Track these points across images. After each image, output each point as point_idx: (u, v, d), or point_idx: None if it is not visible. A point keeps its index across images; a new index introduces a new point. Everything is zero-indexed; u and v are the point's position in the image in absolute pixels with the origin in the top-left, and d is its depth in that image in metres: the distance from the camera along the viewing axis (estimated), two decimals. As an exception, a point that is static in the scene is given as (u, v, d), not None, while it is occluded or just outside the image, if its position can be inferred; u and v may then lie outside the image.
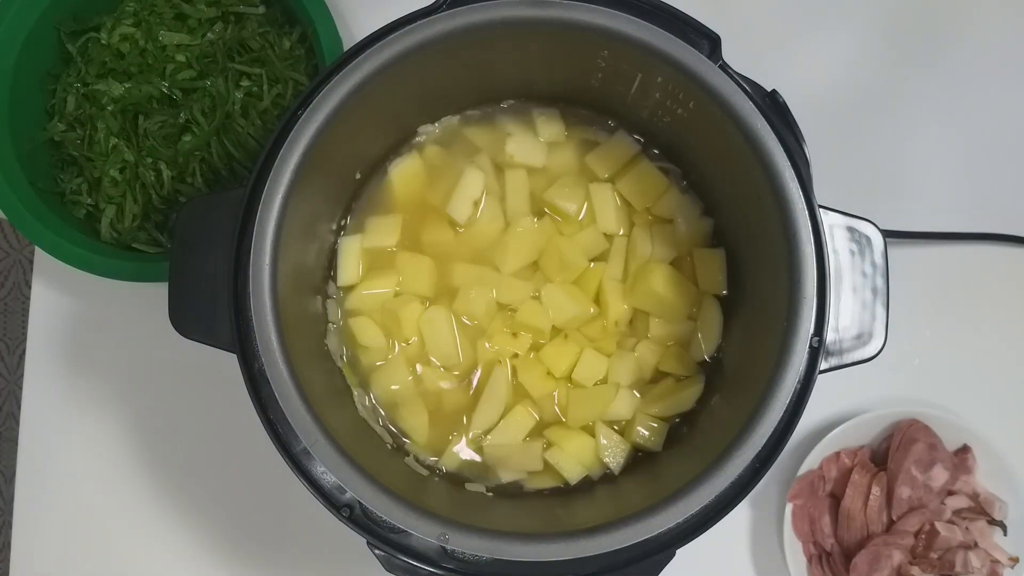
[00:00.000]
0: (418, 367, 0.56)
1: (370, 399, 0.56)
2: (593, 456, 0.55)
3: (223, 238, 0.47)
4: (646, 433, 0.55)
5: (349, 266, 0.57)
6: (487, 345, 0.56)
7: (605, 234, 0.57)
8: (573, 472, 0.55)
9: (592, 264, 0.57)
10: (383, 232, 0.57)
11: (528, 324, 0.55)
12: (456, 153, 0.58)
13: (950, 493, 0.62)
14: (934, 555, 0.60)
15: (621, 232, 0.57)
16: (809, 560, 0.62)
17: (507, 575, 0.46)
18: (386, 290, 0.57)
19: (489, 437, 0.55)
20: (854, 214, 0.49)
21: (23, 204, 0.60)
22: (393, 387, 0.56)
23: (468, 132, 0.59)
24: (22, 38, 0.62)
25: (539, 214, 0.57)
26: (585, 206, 0.57)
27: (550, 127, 0.59)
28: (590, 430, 0.55)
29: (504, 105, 0.59)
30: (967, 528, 0.61)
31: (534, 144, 0.58)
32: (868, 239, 0.49)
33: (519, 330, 0.56)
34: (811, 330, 0.45)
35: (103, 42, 0.65)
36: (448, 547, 0.44)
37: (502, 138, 0.58)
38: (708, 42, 0.48)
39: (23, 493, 0.66)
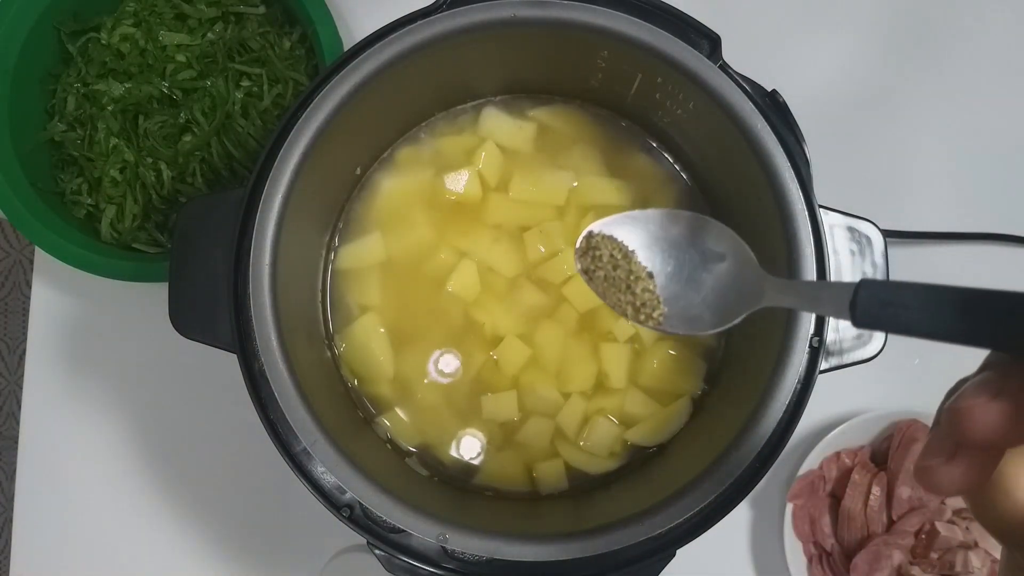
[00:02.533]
0: (427, 369, 0.56)
1: (369, 398, 0.56)
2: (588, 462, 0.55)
3: (223, 238, 0.47)
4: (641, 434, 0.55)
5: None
6: (492, 354, 0.56)
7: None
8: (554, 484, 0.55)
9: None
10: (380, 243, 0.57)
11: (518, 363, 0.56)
12: (452, 151, 0.59)
13: (950, 493, 0.62)
14: (934, 555, 0.60)
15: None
16: (809, 560, 0.62)
17: (507, 575, 0.46)
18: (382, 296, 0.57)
19: (486, 446, 0.55)
20: (854, 214, 0.49)
21: (23, 204, 0.60)
22: (389, 385, 0.56)
23: (465, 130, 0.59)
24: (22, 38, 0.62)
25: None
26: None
27: (559, 122, 0.59)
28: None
29: (500, 101, 0.60)
30: (967, 528, 0.61)
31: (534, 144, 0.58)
32: (868, 239, 0.49)
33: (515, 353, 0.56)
34: (811, 330, 0.45)
35: (103, 42, 0.65)
36: (448, 547, 0.44)
37: (504, 135, 0.58)
38: (708, 42, 0.48)
39: (24, 492, 0.66)
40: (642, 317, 0.39)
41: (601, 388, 0.56)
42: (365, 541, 0.46)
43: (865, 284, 0.26)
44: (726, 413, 0.51)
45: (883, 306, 0.25)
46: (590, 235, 0.41)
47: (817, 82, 0.69)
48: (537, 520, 0.53)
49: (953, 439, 0.22)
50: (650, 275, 0.39)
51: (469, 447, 0.56)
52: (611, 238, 0.40)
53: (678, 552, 0.45)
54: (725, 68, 0.47)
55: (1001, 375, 0.21)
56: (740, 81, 0.47)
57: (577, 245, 0.41)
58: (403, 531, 0.45)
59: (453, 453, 0.56)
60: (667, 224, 0.40)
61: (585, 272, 0.41)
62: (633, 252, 0.40)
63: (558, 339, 0.56)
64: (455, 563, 0.46)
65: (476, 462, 0.56)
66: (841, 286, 0.27)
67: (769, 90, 0.48)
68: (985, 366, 0.23)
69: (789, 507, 0.62)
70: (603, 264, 0.40)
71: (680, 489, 0.45)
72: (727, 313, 0.36)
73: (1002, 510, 0.21)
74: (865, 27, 0.71)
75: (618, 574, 0.45)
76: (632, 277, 0.39)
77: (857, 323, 0.26)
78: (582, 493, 0.55)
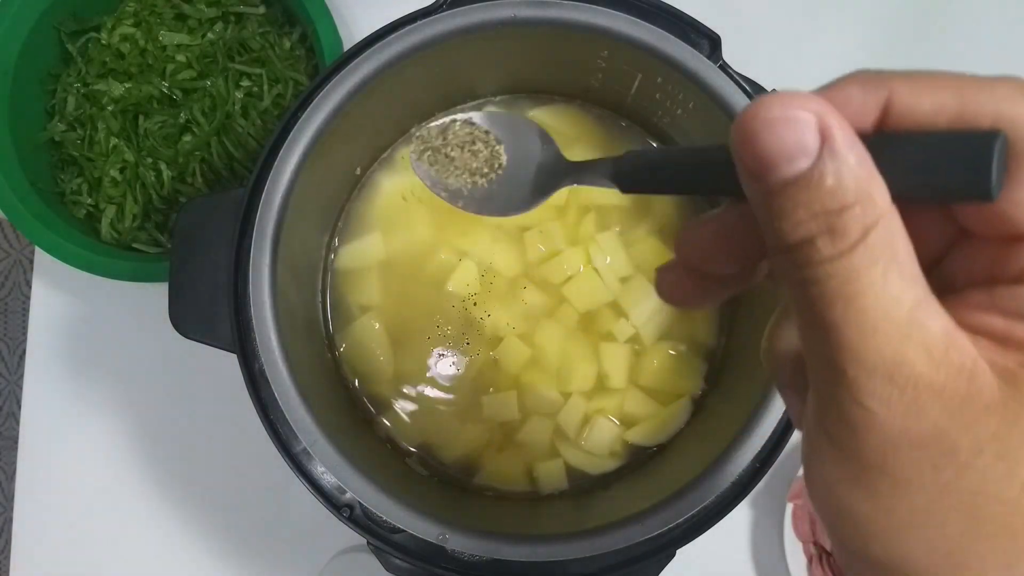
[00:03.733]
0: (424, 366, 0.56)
1: (369, 398, 0.57)
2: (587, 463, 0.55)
3: (223, 238, 0.47)
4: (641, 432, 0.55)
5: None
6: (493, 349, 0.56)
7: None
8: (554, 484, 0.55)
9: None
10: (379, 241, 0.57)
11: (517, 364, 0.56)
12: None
13: (950, 493, 0.62)
14: (934, 555, 0.60)
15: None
16: (809, 560, 0.62)
17: (507, 575, 0.46)
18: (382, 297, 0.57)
19: (487, 446, 0.56)
20: (854, 214, 0.49)
21: (23, 204, 0.60)
22: (389, 385, 0.56)
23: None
24: (22, 38, 0.62)
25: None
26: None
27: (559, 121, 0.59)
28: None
29: (500, 101, 0.60)
30: (967, 528, 0.61)
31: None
32: (868, 239, 0.49)
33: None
34: (811, 330, 0.45)
35: (103, 42, 0.65)
36: (448, 547, 0.44)
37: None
38: (708, 42, 0.48)
39: (23, 492, 0.66)
40: (480, 177, 0.39)
41: (601, 388, 0.56)
42: (365, 541, 0.46)
43: (626, 154, 0.29)
44: (726, 413, 0.51)
45: (636, 170, 0.28)
46: (419, 138, 0.40)
47: (817, 82, 0.69)
48: (537, 520, 0.53)
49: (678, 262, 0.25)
50: (489, 134, 0.39)
51: (462, 450, 0.56)
52: (446, 123, 0.40)
53: (678, 552, 0.45)
54: (725, 68, 0.47)
55: (723, 210, 0.24)
56: (740, 81, 0.47)
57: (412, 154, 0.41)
58: (403, 531, 0.45)
59: (453, 453, 0.56)
60: (488, 120, 0.40)
61: (420, 158, 0.40)
62: (470, 121, 0.40)
63: (558, 339, 0.56)
64: (455, 563, 0.46)
65: (471, 465, 0.56)
66: (610, 159, 0.30)
67: (769, 90, 0.48)
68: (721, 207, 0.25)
69: (789, 507, 0.62)
70: (431, 140, 0.40)
71: (680, 489, 0.45)
72: (535, 194, 0.38)
73: (769, 355, 0.24)
74: (865, 27, 0.71)
75: (618, 574, 0.45)
76: (473, 137, 0.39)
77: (622, 189, 0.29)
78: (582, 493, 0.55)
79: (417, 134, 0.40)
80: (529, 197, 0.37)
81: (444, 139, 0.40)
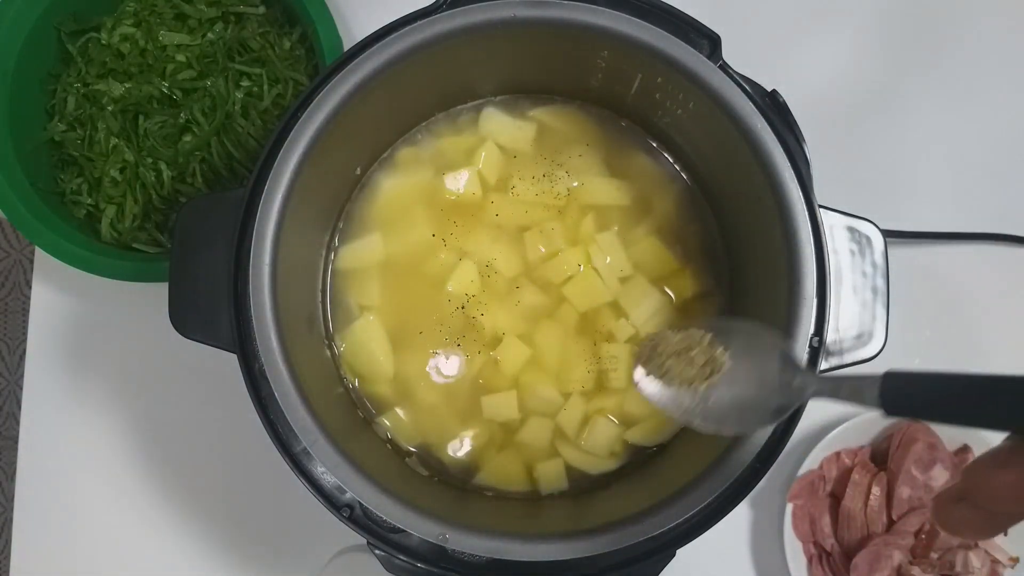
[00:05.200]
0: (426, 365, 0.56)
1: (369, 398, 0.56)
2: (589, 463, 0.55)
3: (223, 238, 0.47)
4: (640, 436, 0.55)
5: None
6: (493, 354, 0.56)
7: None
8: (556, 484, 0.55)
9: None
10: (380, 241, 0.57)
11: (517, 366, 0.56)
12: (452, 151, 0.59)
13: (950, 493, 0.62)
14: (934, 555, 0.60)
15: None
16: (809, 560, 0.62)
17: (507, 575, 0.46)
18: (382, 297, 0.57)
19: (487, 446, 0.55)
20: (854, 214, 0.49)
21: (23, 204, 0.60)
22: (389, 385, 0.56)
23: (465, 130, 0.59)
24: (22, 38, 0.62)
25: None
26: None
27: (556, 121, 0.59)
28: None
29: (500, 101, 0.60)
30: (967, 528, 0.61)
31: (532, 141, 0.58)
32: (868, 239, 0.49)
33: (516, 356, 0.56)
34: (811, 330, 0.45)
35: (103, 42, 0.65)
36: (448, 547, 0.44)
37: (504, 134, 0.58)
38: (708, 42, 0.48)
39: (23, 492, 0.66)
40: (701, 380, 0.38)
41: (601, 388, 0.56)
42: (365, 541, 0.46)
43: (888, 377, 0.28)
44: (726, 413, 0.51)
45: (907, 397, 0.27)
46: (649, 338, 0.41)
47: (817, 82, 0.69)
48: (537, 520, 0.53)
49: (964, 494, 0.25)
50: (709, 339, 0.39)
51: (462, 451, 0.56)
52: (668, 332, 0.41)
53: (678, 552, 0.45)
54: (725, 68, 0.47)
55: (1010, 448, 0.24)
56: (740, 81, 0.47)
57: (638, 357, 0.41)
58: (403, 531, 0.45)
59: (453, 453, 0.56)
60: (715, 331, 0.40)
61: (646, 368, 0.40)
62: (689, 328, 0.40)
63: (558, 339, 0.56)
64: (455, 563, 0.46)
65: (470, 465, 0.56)
66: (867, 379, 0.29)
67: (769, 90, 0.48)
68: (1008, 438, 0.25)
69: (789, 507, 0.62)
70: (660, 354, 0.40)
71: (680, 489, 0.45)
72: (775, 413, 0.37)
73: (941, 516, 0.26)
74: (865, 27, 0.71)
75: (618, 574, 0.45)
76: (691, 344, 0.39)
77: (887, 411, 0.28)
78: (582, 493, 0.55)
79: (636, 352, 0.40)
80: (768, 414, 0.36)
81: (656, 349, 0.39)
